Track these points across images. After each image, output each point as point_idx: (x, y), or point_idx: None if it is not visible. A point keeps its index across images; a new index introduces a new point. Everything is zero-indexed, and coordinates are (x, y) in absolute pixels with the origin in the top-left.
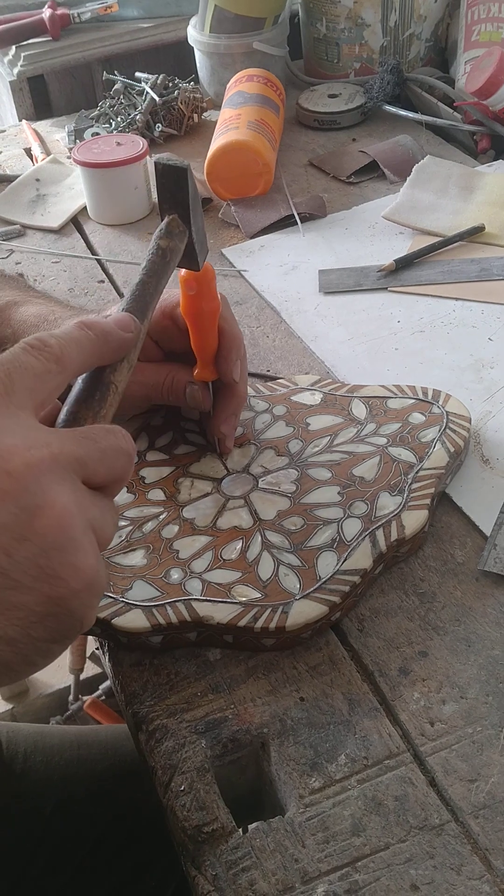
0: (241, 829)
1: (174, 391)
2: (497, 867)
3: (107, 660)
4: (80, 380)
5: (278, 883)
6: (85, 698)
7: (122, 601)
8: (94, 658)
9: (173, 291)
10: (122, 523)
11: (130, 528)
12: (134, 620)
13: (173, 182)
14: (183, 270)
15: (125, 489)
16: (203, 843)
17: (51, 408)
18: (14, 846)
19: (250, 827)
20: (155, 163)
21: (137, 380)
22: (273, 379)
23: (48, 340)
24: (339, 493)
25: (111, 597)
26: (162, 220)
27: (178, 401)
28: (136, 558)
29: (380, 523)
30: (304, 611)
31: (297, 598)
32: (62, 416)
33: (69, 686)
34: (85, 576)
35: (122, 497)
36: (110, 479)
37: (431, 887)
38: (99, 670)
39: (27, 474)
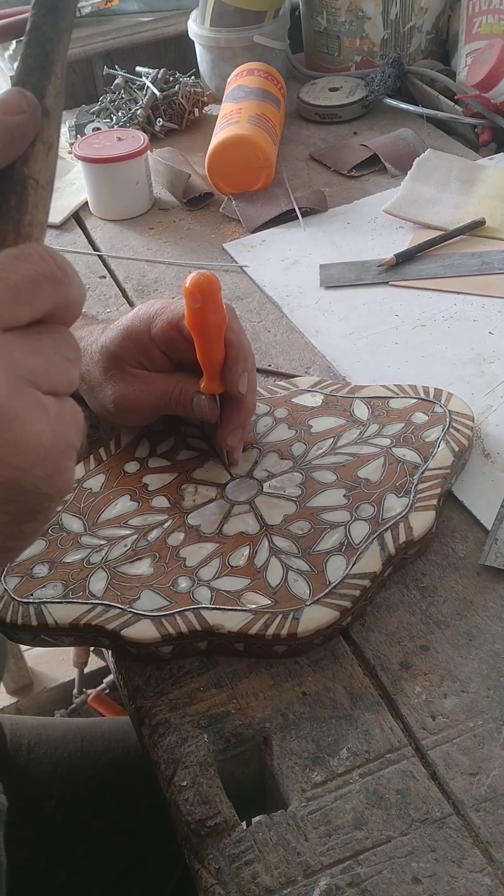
0: (243, 823)
1: (182, 402)
2: (498, 860)
3: (110, 654)
4: None
5: (281, 876)
6: (89, 692)
7: (131, 611)
8: (98, 652)
9: (180, 302)
10: (127, 532)
11: (135, 536)
12: (143, 631)
13: None
14: (188, 282)
15: (128, 497)
16: (206, 837)
17: None
18: (18, 837)
19: (253, 821)
20: None
21: (146, 389)
22: (275, 374)
23: None
24: (344, 495)
25: (119, 607)
26: None
27: (185, 411)
28: (143, 567)
29: (387, 525)
30: (315, 616)
31: (308, 603)
32: None
33: (73, 679)
34: (29, 448)
35: (126, 505)
36: (42, 314)
37: (433, 880)
38: (103, 664)
39: None
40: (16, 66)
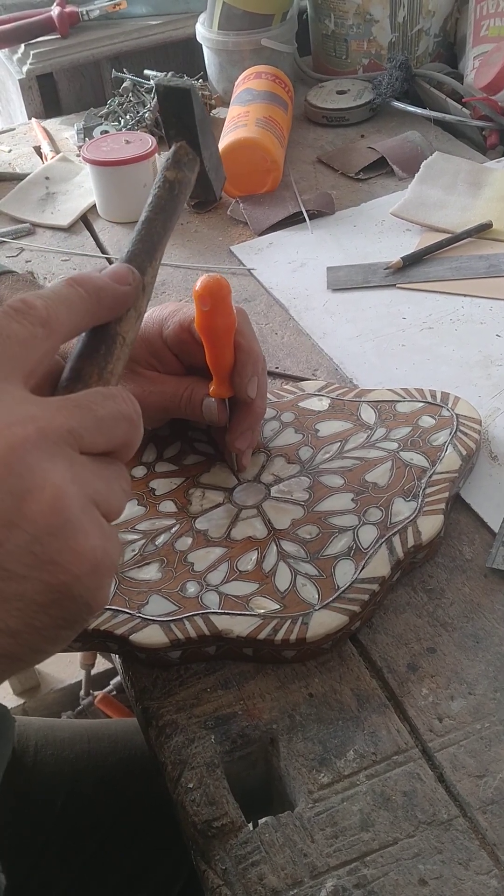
0: (250, 824)
1: (191, 404)
2: None
3: (117, 656)
4: (84, 334)
5: (287, 877)
6: (96, 693)
7: (139, 617)
8: (106, 653)
9: (190, 305)
10: (135, 536)
11: (143, 541)
12: (152, 636)
13: (177, 105)
14: (198, 285)
15: (136, 501)
16: (213, 838)
17: (52, 366)
18: (25, 838)
19: (259, 822)
20: (156, 85)
21: (156, 390)
22: (282, 377)
23: (33, 302)
24: (352, 499)
25: (128, 612)
26: (169, 149)
27: (194, 415)
28: (151, 572)
29: (396, 530)
30: (324, 621)
31: (317, 608)
32: (65, 374)
33: (80, 681)
34: (86, 559)
35: (133, 510)
36: (113, 448)
37: (439, 882)
38: (110, 666)
39: (10, 455)
40: (127, 247)
